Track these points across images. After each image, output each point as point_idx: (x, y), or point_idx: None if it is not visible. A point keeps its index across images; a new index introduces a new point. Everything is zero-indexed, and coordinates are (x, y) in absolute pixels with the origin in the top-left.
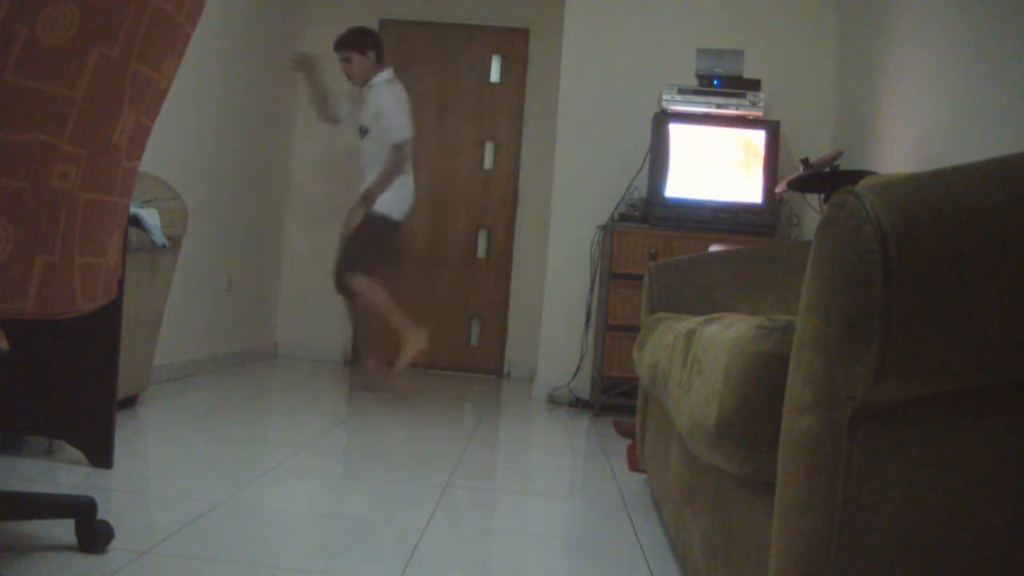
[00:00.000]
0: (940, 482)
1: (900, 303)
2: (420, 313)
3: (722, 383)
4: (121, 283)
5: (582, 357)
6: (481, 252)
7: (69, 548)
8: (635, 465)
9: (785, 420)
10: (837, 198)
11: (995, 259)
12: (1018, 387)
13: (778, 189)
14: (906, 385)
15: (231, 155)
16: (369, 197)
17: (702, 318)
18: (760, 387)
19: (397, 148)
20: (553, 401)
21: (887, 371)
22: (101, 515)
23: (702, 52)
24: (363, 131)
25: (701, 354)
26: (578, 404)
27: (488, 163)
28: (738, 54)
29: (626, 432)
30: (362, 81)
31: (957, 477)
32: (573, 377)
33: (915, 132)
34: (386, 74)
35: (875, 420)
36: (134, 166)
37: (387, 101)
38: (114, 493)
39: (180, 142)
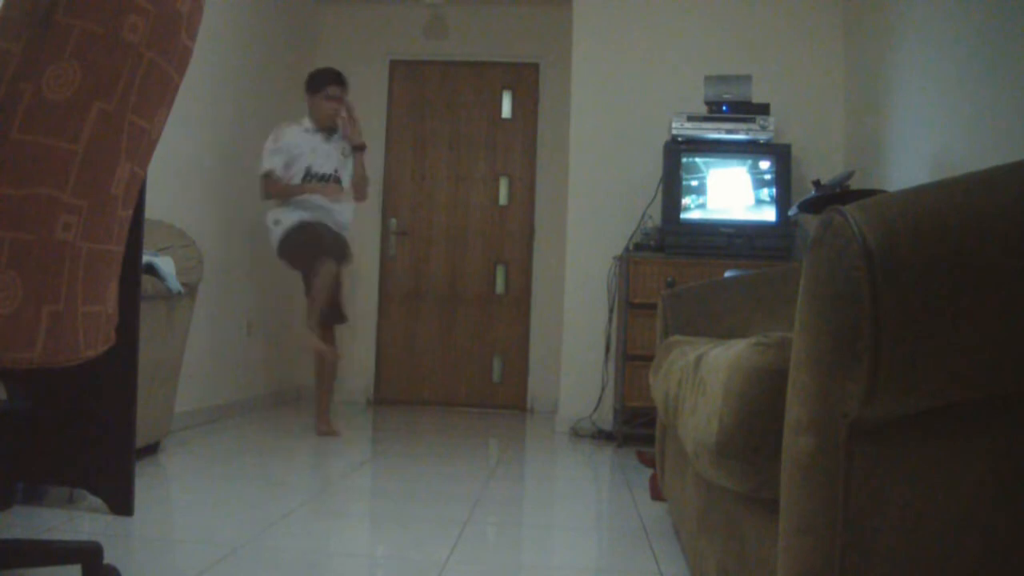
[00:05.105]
0: (938, 498)
1: (889, 319)
2: (441, 351)
3: (722, 400)
4: (136, 331)
5: (603, 388)
6: (499, 288)
7: None
8: (657, 494)
9: (785, 440)
10: (824, 217)
11: (982, 273)
12: (1013, 400)
13: (790, 212)
14: (899, 401)
15: (247, 200)
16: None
17: (711, 342)
18: (758, 402)
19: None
20: (576, 434)
21: (879, 387)
22: (122, 563)
23: (710, 79)
24: (339, 181)
25: (706, 375)
26: (601, 436)
27: (503, 198)
28: (746, 79)
29: (649, 462)
30: (336, 126)
31: (955, 494)
32: (595, 409)
33: (927, 149)
34: None
35: (871, 437)
36: (128, 215)
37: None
38: (135, 540)
39: (196, 189)
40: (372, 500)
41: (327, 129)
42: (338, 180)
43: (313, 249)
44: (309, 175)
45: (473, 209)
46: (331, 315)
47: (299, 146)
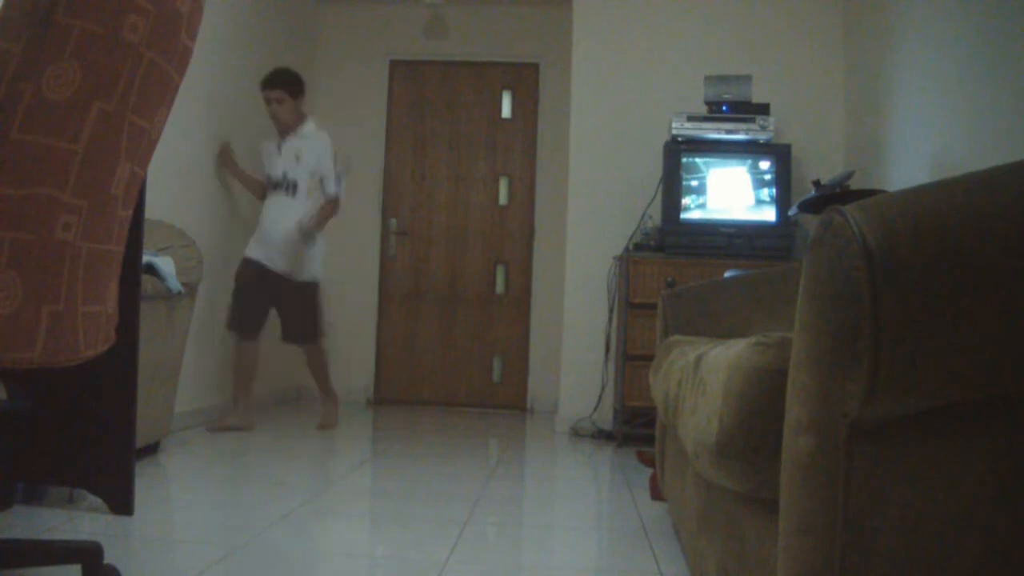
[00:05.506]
0: (938, 498)
1: (889, 319)
2: (441, 351)
3: (721, 400)
4: (136, 331)
5: (603, 388)
6: (499, 288)
7: None
8: (657, 494)
9: (785, 440)
10: (824, 217)
11: (982, 273)
12: (1013, 400)
13: (790, 212)
14: (899, 401)
15: (247, 200)
16: (309, 233)
17: (711, 342)
18: (758, 401)
19: (335, 200)
20: (576, 434)
21: (879, 387)
22: (122, 563)
23: (709, 79)
24: (291, 185)
25: (706, 375)
26: (601, 435)
27: (503, 198)
28: (746, 79)
29: (649, 461)
30: (288, 126)
31: (955, 494)
32: (595, 409)
33: (927, 149)
34: (312, 123)
35: (871, 437)
36: (128, 215)
37: (327, 154)
38: (135, 540)
39: (196, 189)
40: (372, 500)
41: (280, 132)
42: (292, 184)
43: (235, 310)
44: (269, 182)
45: (473, 209)
46: (297, 336)
47: (266, 156)
